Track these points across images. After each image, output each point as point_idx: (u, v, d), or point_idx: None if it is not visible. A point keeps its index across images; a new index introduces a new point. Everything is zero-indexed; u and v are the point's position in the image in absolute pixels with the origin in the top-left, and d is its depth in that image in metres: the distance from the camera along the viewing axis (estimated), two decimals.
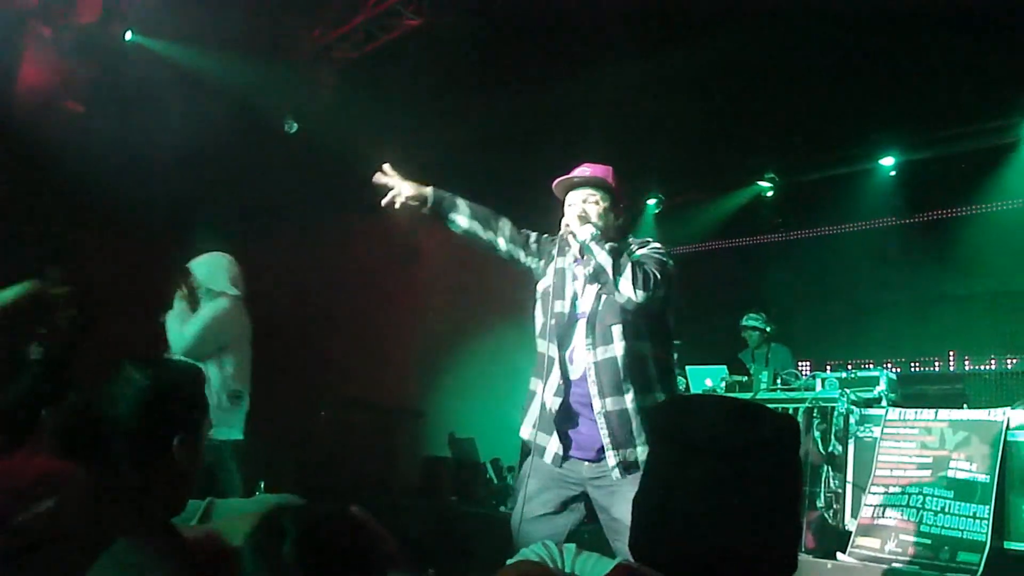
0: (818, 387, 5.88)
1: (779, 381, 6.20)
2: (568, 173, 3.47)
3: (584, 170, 3.47)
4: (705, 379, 6.89)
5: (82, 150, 6.26)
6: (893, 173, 8.62)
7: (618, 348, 3.20)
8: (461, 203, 3.55)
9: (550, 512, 3.27)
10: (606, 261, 3.17)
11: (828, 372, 6.57)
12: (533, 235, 3.58)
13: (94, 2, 6.39)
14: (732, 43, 6.67)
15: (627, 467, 3.18)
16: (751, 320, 7.81)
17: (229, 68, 6.96)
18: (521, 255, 3.54)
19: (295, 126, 7.98)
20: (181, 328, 4.65)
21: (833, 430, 5.44)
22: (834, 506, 5.25)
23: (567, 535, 3.25)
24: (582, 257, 3.32)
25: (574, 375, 3.29)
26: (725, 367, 6.81)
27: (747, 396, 6.12)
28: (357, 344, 9.06)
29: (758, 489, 1.30)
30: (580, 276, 3.37)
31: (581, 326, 3.30)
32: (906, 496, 4.86)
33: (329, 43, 7.56)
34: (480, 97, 8.05)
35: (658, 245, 3.39)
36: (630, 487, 3.04)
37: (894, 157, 8.52)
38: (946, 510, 4.67)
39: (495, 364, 9.85)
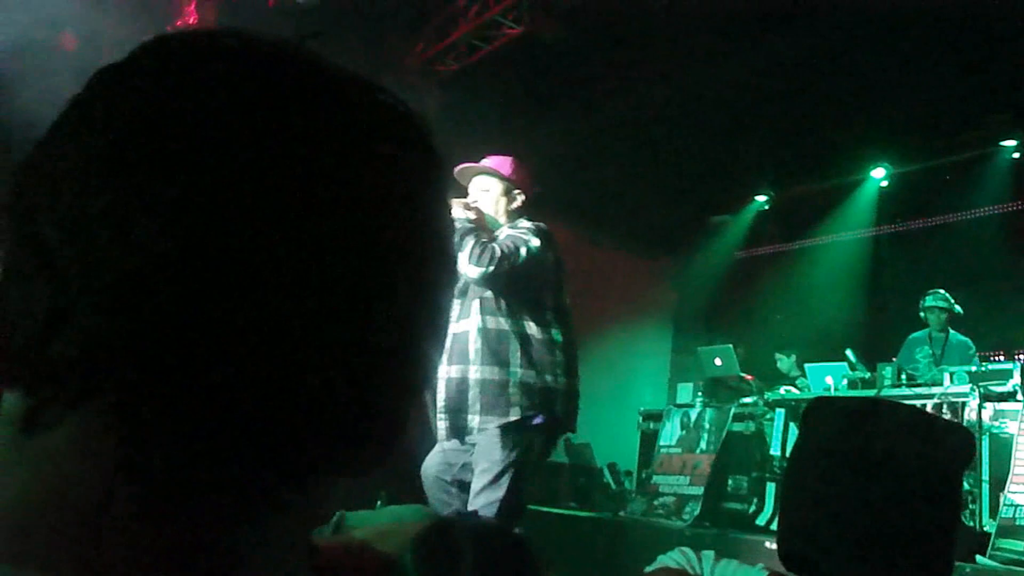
0: (946, 382, 5.67)
1: (903, 376, 6.00)
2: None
3: (485, 161, 3.62)
4: (825, 377, 6.72)
5: None
6: (1016, 155, 8.24)
7: (473, 322, 3.37)
8: None
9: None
10: (456, 237, 3.28)
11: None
12: None
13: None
14: (831, 33, 6.59)
15: (456, 432, 3.37)
16: (937, 300, 7.07)
17: None
18: None
19: None
20: None
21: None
22: (970, 507, 5.05)
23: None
24: None
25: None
26: (846, 364, 6.61)
27: (871, 393, 5.94)
28: None
29: (929, 506, 1.26)
30: None
31: (455, 302, 3.45)
32: None
33: (432, 57, 7.67)
34: (580, 104, 8.11)
35: (527, 226, 3.47)
36: (456, 453, 3.41)
37: (1016, 139, 8.16)
38: None
39: (608, 368, 9.83)
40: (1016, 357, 6.84)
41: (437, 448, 3.49)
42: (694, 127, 8.31)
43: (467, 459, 3.43)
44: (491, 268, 3.27)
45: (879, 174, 9.12)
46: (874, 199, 9.30)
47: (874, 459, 1.25)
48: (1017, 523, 4.64)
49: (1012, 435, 5.05)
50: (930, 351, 6.84)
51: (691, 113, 8.08)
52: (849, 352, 6.65)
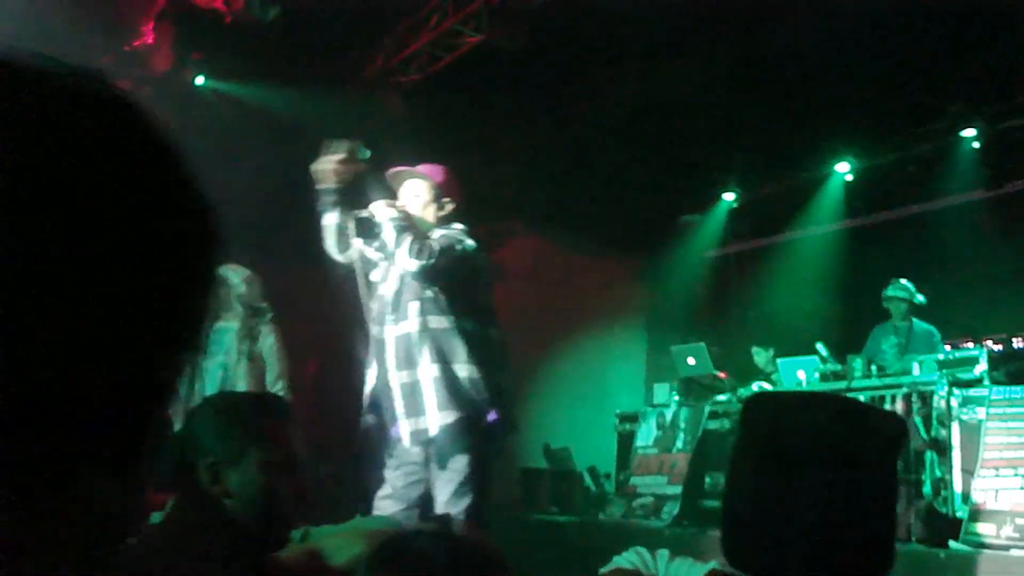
0: (915, 371, 5.73)
1: (872, 367, 6.04)
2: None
3: (418, 166, 3.71)
4: (797, 371, 6.76)
5: None
6: (976, 144, 8.32)
7: (414, 323, 3.42)
8: None
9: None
10: (389, 236, 3.39)
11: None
12: None
13: (166, 51, 6.61)
14: (790, 31, 6.64)
15: (417, 437, 3.40)
16: (897, 290, 7.16)
17: (295, 102, 7.12)
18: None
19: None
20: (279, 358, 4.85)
21: (935, 415, 5.28)
22: (942, 493, 5.09)
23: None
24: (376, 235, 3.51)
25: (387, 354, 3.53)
26: (817, 358, 6.65)
27: (842, 385, 5.98)
28: None
29: (865, 494, 1.27)
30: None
31: (386, 305, 3.55)
32: (1019, 478, 4.69)
33: (393, 68, 7.66)
34: (546, 109, 8.13)
35: (460, 228, 3.61)
36: (415, 465, 3.44)
37: (976, 128, 8.23)
38: None
39: (584, 373, 9.85)
40: (983, 343, 6.89)
41: (394, 461, 3.51)
42: (659, 128, 8.36)
43: (424, 468, 3.46)
44: (430, 261, 3.34)
45: (844, 168, 9.19)
46: (840, 193, 9.37)
47: (808, 450, 1.26)
48: (988, 508, 4.69)
49: (981, 421, 5.10)
50: (896, 340, 6.90)
51: (656, 114, 8.12)
52: (819, 345, 6.70)
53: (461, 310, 3.48)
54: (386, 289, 3.58)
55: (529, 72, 7.47)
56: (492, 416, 3.41)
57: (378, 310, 3.58)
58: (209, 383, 4.71)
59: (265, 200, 6.65)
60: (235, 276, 4.95)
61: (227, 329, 4.87)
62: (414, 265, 3.34)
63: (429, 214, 3.63)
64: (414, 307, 3.45)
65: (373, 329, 3.59)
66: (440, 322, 3.44)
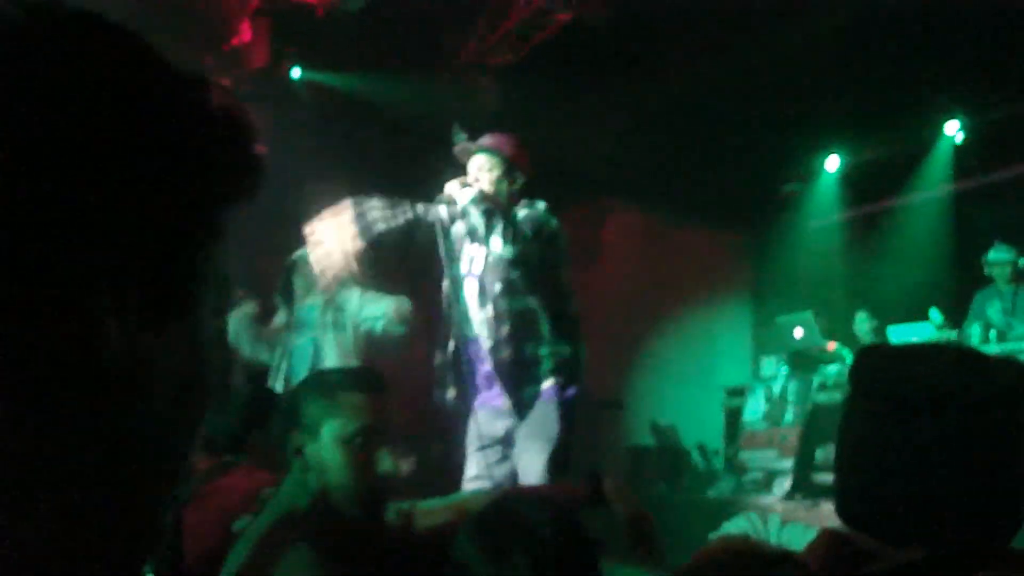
0: None
1: (991, 333, 5.81)
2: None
3: (484, 139, 3.61)
4: (911, 338, 6.55)
5: (268, 190, 6.66)
6: None
7: (500, 304, 3.43)
8: None
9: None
10: (479, 221, 3.31)
11: None
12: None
13: (262, 46, 6.77)
14: None
15: (517, 405, 3.41)
16: (1000, 253, 6.91)
17: (393, 91, 7.20)
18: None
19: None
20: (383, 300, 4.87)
21: None
22: None
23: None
24: (463, 219, 3.43)
25: (471, 333, 3.54)
26: (931, 324, 6.43)
27: None
28: None
29: (990, 446, 1.21)
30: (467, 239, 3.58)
31: (472, 286, 3.52)
32: None
33: (485, 50, 7.68)
34: (639, 82, 8.04)
35: (542, 205, 3.51)
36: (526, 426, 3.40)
37: None
38: None
39: (689, 349, 9.74)
40: None
41: (478, 441, 3.53)
42: (758, 98, 8.16)
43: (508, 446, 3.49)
44: (524, 246, 3.35)
45: (953, 127, 8.82)
46: (949, 155, 9.00)
47: (926, 400, 1.20)
48: None
49: None
50: (1001, 305, 6.61)
51: (753, 83, 7.94)
52: (934, 311, 6.47)
53: (544, 290, 3.48)
54: (473, 269, 3.57)
55: (620, 46, 7.39)
56: (571, 391, 3.44)
57: (464, 291, 3.59)
58: (299, 361, 4.83)
59: (356, 185, 6.76)
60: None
61: (313, 307, 4.95)
62: (509, 251, 3.34)
63: (502, 189, 3.55)
64: (499, 288, 3.45)
65: (456, 310, 3.59)
66: (524, 302, 3.44)
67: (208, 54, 7.04)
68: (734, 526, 1.51)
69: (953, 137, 8.88)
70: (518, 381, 3.40)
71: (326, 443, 1.82)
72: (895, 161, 9.43)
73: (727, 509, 6.33)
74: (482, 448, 3.51)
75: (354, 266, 3.24)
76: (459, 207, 3.37)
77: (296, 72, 7.16)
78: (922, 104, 8.49)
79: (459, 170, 3.60)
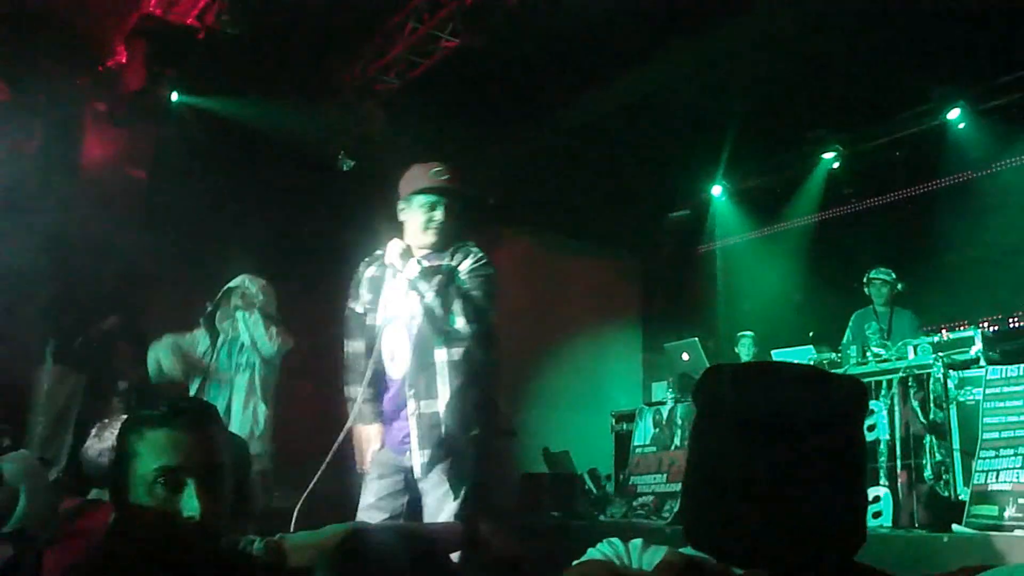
0: (911, 355, 5.66)
1: (868, 354, 5.98)
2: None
3: (440, 175, 3.47)
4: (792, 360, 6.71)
5: (148, 213, 6.47)
6: (962, 126, 8.29)
7: (439, 355, 3.32)
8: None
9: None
10: (435, 304, 3.29)
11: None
12: (359, 308, 3.64)
13: (138, 69, 6.55)
14: (769, 22, 6.63)
15: (431, 465, 3.30)
16: (880, 273, 7.10)
17: (275, 115, 7.08)
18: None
19: (350, 163, 8.03)
20: (268, 332, 4.89)
21: (932, 397, 5.22)
22: (943, 477, 5.02)
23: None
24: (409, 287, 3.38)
25: (395, 376, 3.44)
26: (812, 347, 6.59)
27: (838, 372, 5.91)
28: None
29: (829, 463, 1.19)
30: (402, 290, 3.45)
31: (402, 332, 3.42)
32: (1020, 457, 4.63)
33: (371, 76, 7.61)
34: (528, 110, 8.09)
35: (481, 257, 3.47)
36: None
37: (961, 109, 8.20)
38: None
39: (580, 375, 9.78)
40: (980, 325, 6.85)
41: (379, 470, 3.45)
42: (644, 127, 8.31)
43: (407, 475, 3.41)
44: (487, 319, 3.37)
45: (830, 156, 9.17)
46: (825, 181, 9.36)
47: (765, 419, 1.19)
48: (990, 489, 4.62)
49: (979, 402, 5.03)
50: (877, 326, 6.85)
51: (639, 113, 8.08)
52: (812, 335, 6.65)
53: (477, 336, 3.39)
54: (402, 313, 3.46)
55: (509, 74, 7.43)
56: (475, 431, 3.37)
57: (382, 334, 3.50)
58: (214, 395, 4.94)
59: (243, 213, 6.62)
60: (253, 285, 5.10)
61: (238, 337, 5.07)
62: (471, 329, 3.31)
63: (450, 228, 3.48)
64: (437, 343, 3.35)
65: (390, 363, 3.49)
66: (462, 351, 3.35)
67: (83, 76, 6.81)
68: (597, 552, 1.47)
69: (831, 163, 9.22)
70: (425, 432, 3.33)
71: (132, 480, 1.73)
72: (776, 189, 9.74)
73: (619, 534, 6.35)
74: (382, 477, 3.42)
75: None
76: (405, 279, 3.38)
77: (175, 96, 6.97)
78: (801, 136, 8.81)
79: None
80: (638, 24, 6.68)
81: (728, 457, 1.20)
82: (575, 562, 1.47)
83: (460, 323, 3.29)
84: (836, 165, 9.23)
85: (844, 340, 6.83)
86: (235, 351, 5.11)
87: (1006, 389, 4.92)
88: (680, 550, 1.22)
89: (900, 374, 5.42)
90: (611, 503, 7.30)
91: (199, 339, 5.17)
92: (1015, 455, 4.65)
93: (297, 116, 7.10)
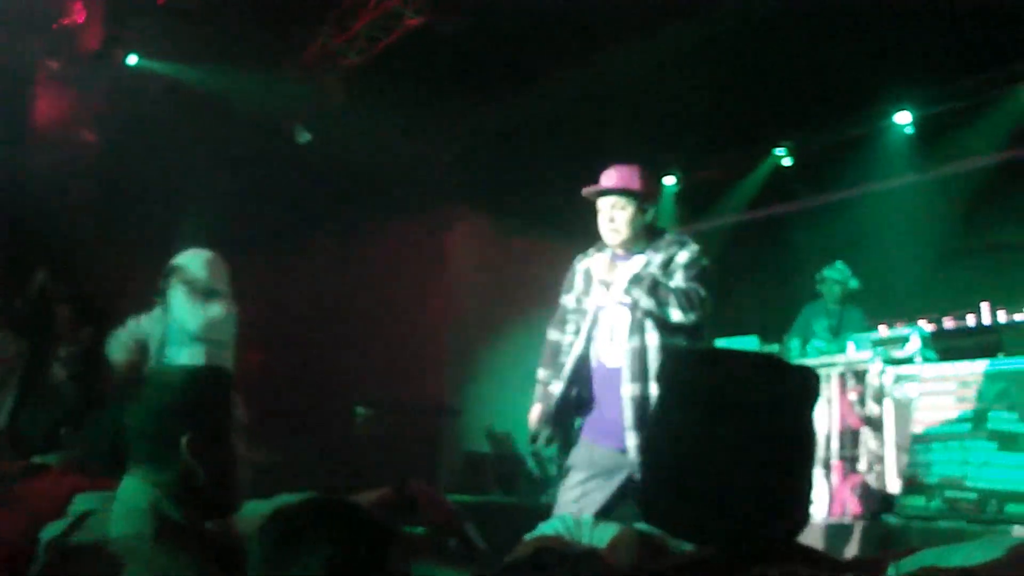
0: (850, 350, 5.82)
1: (808, 348, 6.14)
2: (597, 179, 3.71)
3: (609, 177, 3.64)
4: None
5: (97, 176, 6.38)
6: (909, 130, 8.48)
7: (651, 340, 3.39)
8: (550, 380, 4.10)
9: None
10: (650, 305, 3.39)
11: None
12: (570, 302, 3.98)
13: (96, 30, 6.44)
14: (728, 16, 6.70)
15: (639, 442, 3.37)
16: (834, 272, 7.21)
17: (234, 84, 7.00)
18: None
19: (307, 136, 7.98)
20: (203, 308, 4.67)
21: (869, 392, 5.38)
22: (876, 469, 5.19)
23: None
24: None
25: (610, 365, 3.52)
26: (756, 337, 6.72)
27: None
28: (387, 347, 9.09)
29: (780, 446, 1.27)
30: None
31: (616, 322, 3.54)
32: (948, 452, 4.80)
33: (333, 50, 7.56)
34: (490, 93, 8.10)
35: (696, 250, 3.60)
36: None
37: (911, 113, 8.38)
38: (990, 462, 4.61)
39: (528, 357, 9.83)
40: (917, 323, 7.02)
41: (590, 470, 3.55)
42: (605, 112, 8.36)
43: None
44: (706, 308, 3.44)
45: (781, 152, 9.32)
46: (772, 177, 9.51)
47: (720, 401, 1.25)
48: (919, 482, 4.79)
49: (913, 398, 5.20)
50: (828, 323, 6.99)
51: (600, 98, 8.12)
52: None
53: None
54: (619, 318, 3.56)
55: (473, 55, 7.42)
56: None
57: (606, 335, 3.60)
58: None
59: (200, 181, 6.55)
60: (195, 260, 4.79)
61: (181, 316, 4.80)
62: (692, 318, 3.38)
63: (637, 226, 3.60)
64: (649, 322, 3.44)
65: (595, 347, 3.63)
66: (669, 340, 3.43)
67: (36, 36, 6.67)
68: (549, 528, 1.53)
69: (781, 160, 9.37)
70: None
71: (175, 444, 1.78)
72: (727, 181, 9.87)
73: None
74: (593, 477, 3.55)
75: None
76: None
77: (132, 59, 6.85)
78: (753, 130, 8.92)
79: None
80: (606, 8, 6.69)
81: (684, 437, 1.27)
82: (527, 535, 1.53)
83: (676, 315, 3.37)
84: (787, 162, 9.38)
85: (789, 334, 6.98)
86: (176, 329, 4.95)
87: (939, 386, 5.09)
88: (634, 525, 1.29)
89: (839, 368, 5.57)
90: (553, 484, 7.40)
91: (157, 319, 5.00)
92: (944, 450, 4.82)
93: (255, 86, 7.04)
